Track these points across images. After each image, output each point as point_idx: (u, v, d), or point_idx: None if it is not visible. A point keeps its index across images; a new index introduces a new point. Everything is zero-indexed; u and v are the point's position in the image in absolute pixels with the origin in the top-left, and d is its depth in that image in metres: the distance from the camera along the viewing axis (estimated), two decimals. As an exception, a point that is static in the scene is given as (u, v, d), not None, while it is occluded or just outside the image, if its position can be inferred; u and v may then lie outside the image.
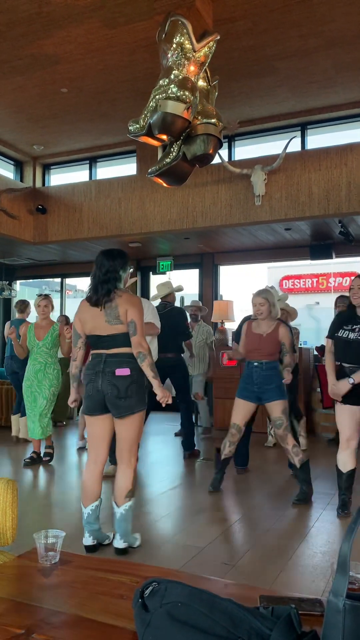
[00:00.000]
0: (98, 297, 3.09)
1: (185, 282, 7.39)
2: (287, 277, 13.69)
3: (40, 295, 5.80)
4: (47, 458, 5.63)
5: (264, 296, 4.41)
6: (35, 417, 5.46)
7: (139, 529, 3.56)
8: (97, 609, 1.33)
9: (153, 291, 8.29)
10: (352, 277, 4.04)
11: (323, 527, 3.74)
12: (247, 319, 5.48)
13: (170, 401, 3.15)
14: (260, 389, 4.33)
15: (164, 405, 3.22)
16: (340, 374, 3.93)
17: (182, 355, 6.19)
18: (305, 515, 4.00)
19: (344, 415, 3.95)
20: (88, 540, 3.17)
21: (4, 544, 2.09)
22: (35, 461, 5.55)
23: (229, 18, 5.29)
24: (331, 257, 8.72)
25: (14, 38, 5.61)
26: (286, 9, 5.17)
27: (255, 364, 4.38)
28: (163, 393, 3.10)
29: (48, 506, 4.29)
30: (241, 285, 9.94)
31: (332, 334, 4.09)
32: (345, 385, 3.83)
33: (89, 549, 3.17)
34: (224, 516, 4.01)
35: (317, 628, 1.07)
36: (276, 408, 4.29)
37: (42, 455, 5.67)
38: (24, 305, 6.98)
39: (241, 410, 4.46)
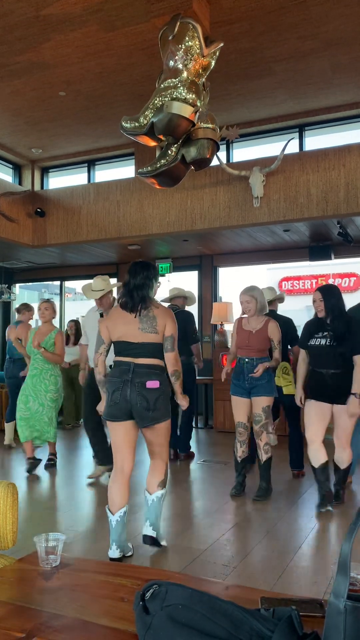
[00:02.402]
0: (134, 303, 3.15)
1: (185, 284, 7.36)
2: (287, 279, 13.70)
3: (43, 299, 5.80)
4: (52, 462, 5.57)
5: (250, 294, 4.48)
6: (24, 421, 5.35)
7: (141, 533, 3.55)
8: (98, 612, 1.33)
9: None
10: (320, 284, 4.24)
11: (323, 529, 3.74)
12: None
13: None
14: (251, 384, 4.39)
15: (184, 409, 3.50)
16: (318, 379, 4.13)
17: (192, 358, 6.13)
18: (305, 517, 4.00)
19: (313, 411, 4.13)
20: (115, 552, 3.08)
21: (4, 547, 2.08)
22: (34, 465, 5.41)
23: (226, 20, 5.30)
24: (330, 258, 8.73)
25: (11, 42, 5.62)
26: (283, 11, 5.19)
27: (246, 359, 4.43)
28: (186, 402, 3.35)
29: (48, 509, 4.28)
30: (240, 287, 9.86)
31: (305, 344, 4.28)
32: (354, 404, 3.98)
33: (115, 561, 3.03)
34: (224, 518, 4.01)
35: (319, 629, 1.07)
36: (259, 404, 4.35)
37: (37, 457, 5.49)
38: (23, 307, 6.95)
39: (240, 407, 4.49)
